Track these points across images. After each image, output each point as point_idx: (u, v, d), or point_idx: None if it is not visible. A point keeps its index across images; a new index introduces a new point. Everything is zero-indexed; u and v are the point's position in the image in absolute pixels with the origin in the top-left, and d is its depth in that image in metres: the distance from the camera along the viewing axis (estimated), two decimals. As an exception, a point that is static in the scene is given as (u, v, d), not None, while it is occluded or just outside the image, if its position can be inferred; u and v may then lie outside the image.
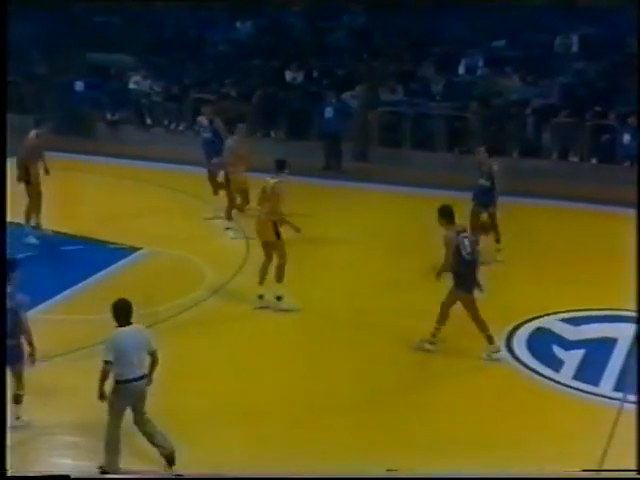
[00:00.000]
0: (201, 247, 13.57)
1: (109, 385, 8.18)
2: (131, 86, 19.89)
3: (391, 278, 12.62)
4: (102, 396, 8.15)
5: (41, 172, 13.91)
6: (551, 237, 14.25)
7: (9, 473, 7.48)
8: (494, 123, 17.95)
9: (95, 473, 8.03)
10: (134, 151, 18.00)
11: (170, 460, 8.19)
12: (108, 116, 19.78)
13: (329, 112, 18.16)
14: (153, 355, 8.26)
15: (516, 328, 11.17)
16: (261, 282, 11.71)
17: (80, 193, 16.13)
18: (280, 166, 11.79)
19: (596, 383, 9.84)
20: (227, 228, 14.18)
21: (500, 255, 13.13)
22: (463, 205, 14.29)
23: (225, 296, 12.16)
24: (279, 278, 11.59)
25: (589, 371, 10.11)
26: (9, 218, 13.94)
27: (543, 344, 10.81)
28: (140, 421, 8.22)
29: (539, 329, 11.18)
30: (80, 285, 11.99)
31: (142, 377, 8.19)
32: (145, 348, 8.23)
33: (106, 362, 8.10)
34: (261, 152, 18.29)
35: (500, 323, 11.23)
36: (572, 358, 10.42)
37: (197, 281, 12.49)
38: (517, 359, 10.49)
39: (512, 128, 18.02)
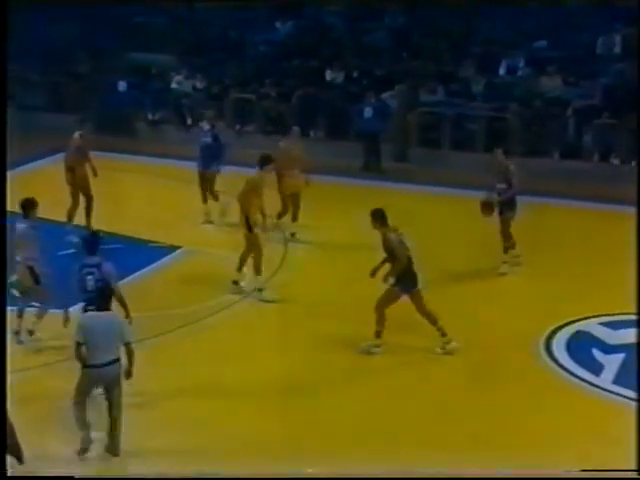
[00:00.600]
0: (240, 246, 13.61)
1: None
2: (173, 86, 20.01)
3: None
4: None
5: (89, 172, 14.04)
6: (591, 239, 14.10)
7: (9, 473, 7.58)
8: (535, 124, 17.80)
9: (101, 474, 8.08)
10: (175, 151, 18.09)
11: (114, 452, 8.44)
12: (149, 116, 19.93)
13: (368, 112, 18.13)
14: (128, 347, 8.39)
15: (555, 331, 11.09)
16: (239, 269, 12.15)
17: (120, 192, 16.26)
18: (264, 161, 12.04)
19: (635, 388, 9.74)
20: (292, 234, 14.01)
21: (509, 263, 12.75)
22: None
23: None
24: (257, 271, 11.84)
25: (629, 376, 9.99)
26: (54, 217, 14.24)
27: (583, 348, 10.73)
28: (111, 406, 8.38)
29: (578, 332, 11.10)
30: (119, 283, 12.06)
31: (110, 363, 8.30)
32: (117, 336, 8.34)
33: (77, 343, 8.32)
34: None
35: (539, 325, 11.17)
36: (612, 362, 10.32)
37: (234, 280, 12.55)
38: (556, 362, 10.43)
39: (553, 129, 17.85)
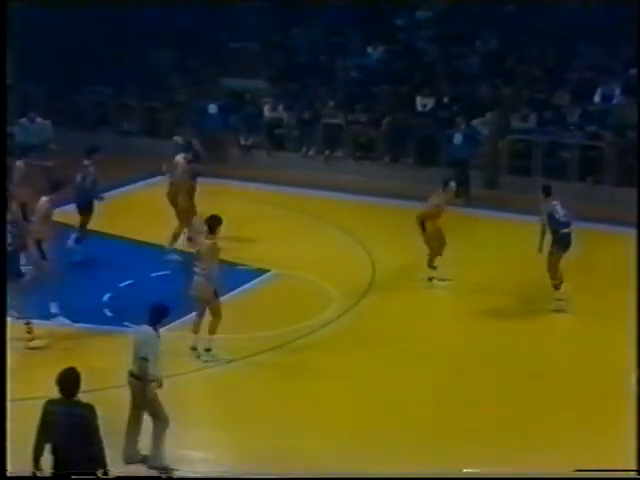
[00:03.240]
0: (328, 270, 13.75)
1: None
2: (265, 111, 20.30)
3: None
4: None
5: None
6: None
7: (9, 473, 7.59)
8: (629, 154, 17.42)
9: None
10: (265, 175, 18.37)
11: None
12: (242, 140, 20.26)
13: (458, 138, 18.07)
14: (140, 362, 8.68)
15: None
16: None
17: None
18: (215, 226, 11.24)
19: None
20: (430, 278, 13.53)
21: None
22: (588, 235, 14.01)
23: (350, 320, 12.31)
24: (212, 331, 11.20)
25: None
26: (149, 239, 14.58)
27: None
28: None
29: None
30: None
31: (130, 374, 8.73)
32: (137, 350, 8.71)
33: None
34: (389, 178, 18.55)
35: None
36: None
37: (323, 304, 12.67)
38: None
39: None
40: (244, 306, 12.62)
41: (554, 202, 12.65)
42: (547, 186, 12.94)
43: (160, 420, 8.73)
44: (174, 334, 11.49)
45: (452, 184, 13.83)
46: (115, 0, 20.11)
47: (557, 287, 12.53)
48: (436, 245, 13.45)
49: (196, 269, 11.22)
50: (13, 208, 12.80)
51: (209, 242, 11.18)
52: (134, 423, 8.82)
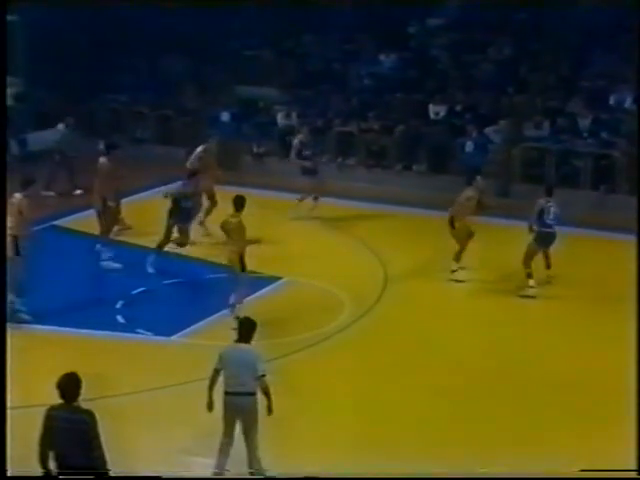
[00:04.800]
0: (341, 278, 13.76)
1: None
2: (278, 119, 20.34)
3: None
4: (210, 404, 8.59)
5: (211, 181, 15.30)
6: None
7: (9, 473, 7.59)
8: (641, 162, 17.36)
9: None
10: (278, 182, 18.39)
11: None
12: (254, 148, 20.30)
13: (469, 146, 18.08)
14: (261, 380, 8.46)
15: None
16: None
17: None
18: (241, 204, 12.14)
19: None
20: (453, 270, 13.92)
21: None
22: (601, 244, 14.00)
23: (362, 326, 12.31)
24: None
25: None
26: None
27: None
28: (246, 439, 8.58)
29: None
30: (221, 313, 12.32)
31: (243, 394, 8.44)
32: (251, 369, 8.45)
33: (215, 370, 8.56)
34: (401, 185, 18.55)
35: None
36: None
37: (335, 312, 12.68)
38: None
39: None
40: (256, 313, 12.49)
41: (550, 203, 13.30)
42: (551, 187, 13.76)
43: (256, 431, 8.63)
44: (187, 341, 11.59)
45: (478, 178, 14.30)
46: (129, 7, 20.20)
47: (529, 276, 13.26)
48: (463, 237, 13.88)
49: (228, 245, 12.14)
50: (96, 202, 14.15)
51: (236, 220, 12.05)
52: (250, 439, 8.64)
